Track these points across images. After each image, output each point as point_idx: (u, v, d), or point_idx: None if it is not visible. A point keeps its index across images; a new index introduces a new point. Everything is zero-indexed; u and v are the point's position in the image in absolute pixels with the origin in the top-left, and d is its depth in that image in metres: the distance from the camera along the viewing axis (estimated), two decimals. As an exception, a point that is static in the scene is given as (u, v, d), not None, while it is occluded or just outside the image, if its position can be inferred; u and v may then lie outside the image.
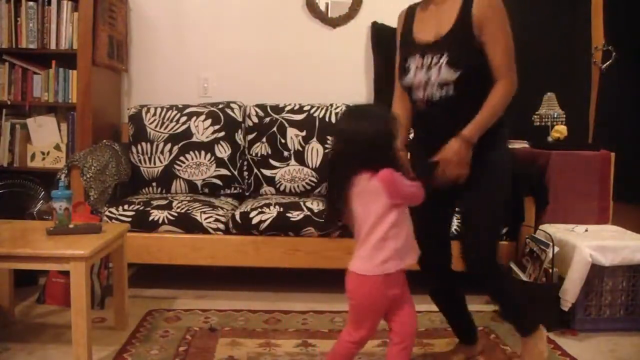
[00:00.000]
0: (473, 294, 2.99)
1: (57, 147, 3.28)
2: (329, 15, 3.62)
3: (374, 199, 1.71)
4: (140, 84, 3.64)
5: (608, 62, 3.61)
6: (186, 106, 3.37)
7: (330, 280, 3.04)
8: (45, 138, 3.28)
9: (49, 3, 3.17)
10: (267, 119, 3.36)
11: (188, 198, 3.05)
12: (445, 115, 1.94)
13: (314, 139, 3.30)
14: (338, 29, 3.64)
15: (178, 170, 3.26)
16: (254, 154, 3.36)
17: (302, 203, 2.88)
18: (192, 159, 3.27)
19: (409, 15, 2.08)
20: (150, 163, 3.27)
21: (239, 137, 3.34)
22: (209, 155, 3.27)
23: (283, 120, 3.34)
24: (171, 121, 3.31)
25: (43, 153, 3.28)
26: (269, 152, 3.33)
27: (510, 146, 3.22)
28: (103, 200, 2.90)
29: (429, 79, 1.93)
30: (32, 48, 3.19)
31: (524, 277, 2.66)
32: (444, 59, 1.90)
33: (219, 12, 3.61)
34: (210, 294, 2.95)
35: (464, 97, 1.90)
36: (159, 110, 3.34)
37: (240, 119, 3.37)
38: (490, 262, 2.02)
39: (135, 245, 2.70)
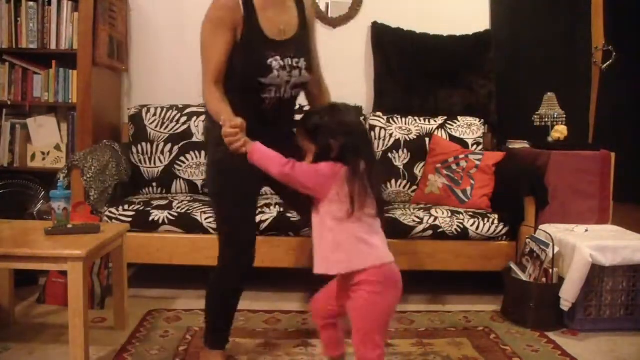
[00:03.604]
0: (473, 294, 3.00)
1: (57, 147, 3.28)
2: (329, 15, 3.62)
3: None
4: (140, 84, 3.64)
5: (608, 62, 3.61)
6: (186, 106, 3.37)
7: (330, 280, 3.04)
8: (46, 138, 3.29)
9: (49, 3, 3.17)
10: (267, 119, 3.36)
11: (188, 198, 3.05)
12: (286, 112, 2.08)
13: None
14: (338, 29, 3.65)
15: (178, 170, 3.26)
16: (254, 154, 3.35)
17: (302, 203, 2.88)
18: (193, 159, 3.27)
19: (247, 3, 1.94)
20: (150, 163, 3.28)
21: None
22: (209, 155, 3.27)
23: (283, 120, 3.34)
24: (171, 121, 3.31)
25: (43, 153, 3.28)
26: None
27: (510, 146, 3.26)
28: (103, 200, 2.90)
29: (289, 81, 1.98)
30: (32, 48, 3.19)
31: (524, 277, 2.66)
32: (302, 64, 1.99)
33: (219, 12, 3.61)
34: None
35: (297, 97, 2.08)
36: (159, 110, 3.34)
37: (240, 119, 3.36)
38: None
39: (135, 245, 2.70)
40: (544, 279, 2.60)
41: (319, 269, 1.77)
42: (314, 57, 2.10)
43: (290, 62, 1.96)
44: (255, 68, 1.94)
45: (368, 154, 1.78)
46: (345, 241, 1.72)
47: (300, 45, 2.01)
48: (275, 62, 1.94)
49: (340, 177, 1.72)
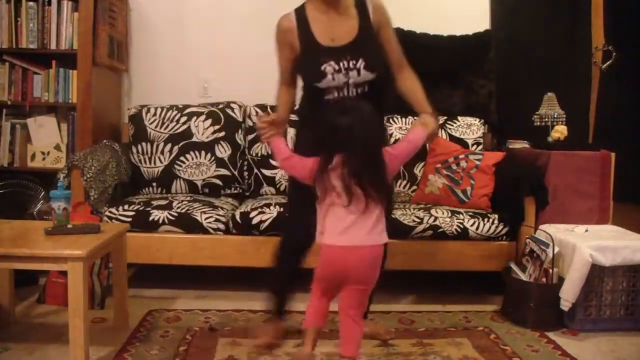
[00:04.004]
0: (473, 294, 3.00)
1: (57, 147, 3.28)
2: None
3: None
4: (140, 84, 3.64)
5: (608, 62, 3.61)
6: (186, 106, 3.37)
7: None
8: (46, 138, 3.29)
9: (49, 3, 3.18)
10: (267, 119, 3.36)
11: (188, 198, 3.05)
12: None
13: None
14: (338, 29, 3.64)
15: (178, 170, 3.26)
16: (254, 154, 3.36)
17: (302, 203, 2.88)
18: (192, 159, 3.27)
19: (300, 20, 2.22)
20: (150, 163, 3.28)
21: (239, 137, 3.34)
22: (209, 155, 3.27)
23: (283, 120, 3.34)
24: (171, 121, 3.31)
25: (43, 153, 3.28)
26: (269, 152, 3.32)
27: (510, 146, 3.26)
28: (103, 200, 2.90)
29: (347, 81, 2.17)
30: (32, 48, 3.20)
31: (524, 277, 2.66)
32: (360, 64, 2.16)
33: (219, 12, 3.61)
34: (210, 294, 2.95)
35: (373, 93, 2.21)
36: (159, 110, 3.34)
37: (240, 119, 3.37)
38: None
39: (135, 245, 2.70)
40: (544, 279, 2.60)
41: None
42: (391, 55, 2.27)
43: (346, 65, 2.15)
44: (311, 75, 2.20)
45: (337, 149, 1.91)
46: (321, 220, 1.98)
47: (359, 47, 2.17)
48: (329, 67, 2.15)
49: (313, 169, 1.95)
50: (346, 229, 1.90)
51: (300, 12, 2.24)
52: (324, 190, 1.93)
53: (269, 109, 3.26)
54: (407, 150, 2.05)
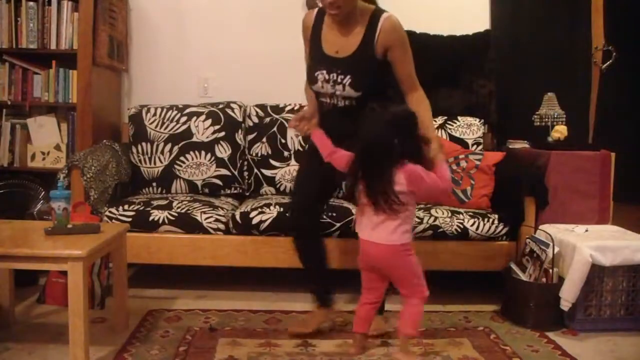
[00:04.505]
0: (473, 294, 3.00)
1: (57, 147, 3.28)
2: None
3: None
4: (140, 84, 3.64)
5: (608, 62, 3.61)
6: (186, 106, 3.37)
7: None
8: (46, 138, 3.29)
9: (49, 3, 3.17)
10: (267, 119, 3.36)
11: (188, 198, 3.05)
12: (349, 118, 2.26)
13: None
14: (338, 29, 3.64)
15: (178, 170, 3.26)
16: (254, 154, 3.36)
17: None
18: (192, 159, 3.27)
19: (317, 21, 2.33)
20: (150, 163, 3.28)
21: (239, 137, 3.34)
22: (209, 155, 3.27)
23: (283, 121, 3.34)
24: (171, 121, 3.31)
25: (43, 153, 3.28)
26: (269, 152, 3.33)
27: (510, 146, 3.26)
28: (103, 200, 2.90)
29: (334, 93, 2.28)
30: (32, 48, 3.19)
31: (524, 277, 2.66)
32: (347, 80, 2.23)
33: (220, 12, 3.61)
34: (210, 294, 2.95)
35: (362, 106, 2.25)
36: (159, 110, 3.34)
37: (240, 119, 3.37)
38: None
39: (135, 245, 2.70)
40: (544, 279, 2.60)
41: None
42: (402, 77, 2.30)
43: (335, 78, 2.25)
44: (309, 77, 2.35)
45: (362, 151, 2.10)
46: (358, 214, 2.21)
47: (352, 64, 2.24)
48: (320, 75, 2.27)
49: (348, 165, 2.16)
50: (374, 227, 2.10)
51: (320, 13, 2.33)
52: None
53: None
54: (435, 184, 2.10)
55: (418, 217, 2.85)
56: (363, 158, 2.09)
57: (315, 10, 2.35)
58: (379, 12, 2.28)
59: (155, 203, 2.91)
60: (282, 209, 2.84)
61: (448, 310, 2.80)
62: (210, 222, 2.83)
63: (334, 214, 2.80)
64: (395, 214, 2.05)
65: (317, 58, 2.31)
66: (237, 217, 2.84)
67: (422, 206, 3.06)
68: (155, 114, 3.33)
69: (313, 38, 2.34)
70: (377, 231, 2.09)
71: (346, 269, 2.52)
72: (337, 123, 2.32)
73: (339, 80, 2.25)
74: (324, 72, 2.26)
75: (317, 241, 2.47)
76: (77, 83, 3.16)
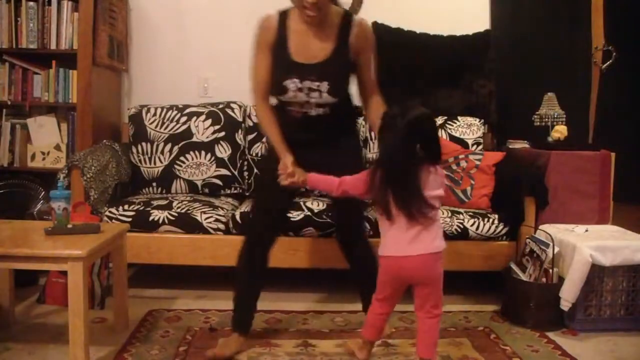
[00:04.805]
0: (473, 294, 3.00)
1: (57, 147, 3.28)
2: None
3: None
4: (140, 84, 3.64)
5: (608, 62, 3.61)
6: (186, 106, 3.37)
7: (330, 280, 3.05)
8: (46, 138, 3.29)
9: (49, 3, 3.17)
10: (267, 119, 3.36)
11: (188, 198, 3.05)
12: (319, 126, 2.21)
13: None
14: (338, 29, 3.64)
15: (178, 170, 3.26)
16: (254, 154, 3.36)
17: (302, 203, 2.88)
18: (192, 159, 3.27)
19: (281, 25, 2.16)
20: (150, 163, 3.27)
21: (239, 137, 3.34)
22: (209, 155, 3.27)
23: (283, 120, 3.34)
24: (171, 121, 3.31)
25: (43, 153, 3.28)
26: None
27: (510, 146, 3.26)
28: (103, 200, 2.90)
29: (308, 101, 2.16)
30: (32, 48, 3.19)
31: (524, 277, 2.66)
32: (324, 87, 2.13)
33: (220, 12, 3.61)
34: (210, 294, 2.95)
35: (336, 113, 2.21)
36: (159, 110, 3.34)
37: (240, 119, 3.37)
38: None
39: (135, 245, 2.70)
40: (544, 279, 2.60)
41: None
42: (365, 81, 2.26)
43: (309, 85, 2.13)
44: (274, 87, 2.18)
45: (385, 163, 1.96)
46: (382, 231, 2.05)
47: (327, 69, 2.14)
48: (292, 84, 2.13)
49: (366, 185, 2.00)
50: (412, 241, 1.95)
51: (283, 18, 2.18)
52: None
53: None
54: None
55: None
56: (389, 170, 1.94)
57: (276, 15, 2.19)
58: (349, 14, 2.22)
59: (155, 203, 2.91)
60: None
61: (448, 310, 2.79)
62: (210, 222, 2.83)
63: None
64: (431, 220, 1.95)
65: (284, 66, 2.15)
66: (237, 217, 2.84)
67: (422, 206, 3.06)
68: (155, 114, 3.33)
69: (278, 45, 2.16)
70: (415, 243, 1.94)
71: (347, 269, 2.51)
72: (307, 132, 2.20)
73: (314, 87, 2.13)
74: (296, 80, 2.13)
75: (266, 257, 2.33)
76: (77, 83, 3.16)
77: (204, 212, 2.86)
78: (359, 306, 2.49)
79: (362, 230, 2.48)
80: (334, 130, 2.26)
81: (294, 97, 2.15)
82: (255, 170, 3.34)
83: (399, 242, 1.96)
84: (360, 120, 3.40)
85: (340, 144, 2.27)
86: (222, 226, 2.84)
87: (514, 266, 2.74)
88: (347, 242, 2.42)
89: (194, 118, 3.31)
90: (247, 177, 3.37)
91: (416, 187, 1.92)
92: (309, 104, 2.17)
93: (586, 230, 2.73)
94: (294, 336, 2.43)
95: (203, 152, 3.26)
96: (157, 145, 3.28)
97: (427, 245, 1.95)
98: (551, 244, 2.56)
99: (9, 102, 3.24)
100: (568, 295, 2.51)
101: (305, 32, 2.15)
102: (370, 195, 2.01)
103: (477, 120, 3.43)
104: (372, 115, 2.27)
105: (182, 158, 3.27)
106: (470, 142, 3.35)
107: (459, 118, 3.42)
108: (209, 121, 3.30)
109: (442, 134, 3.36)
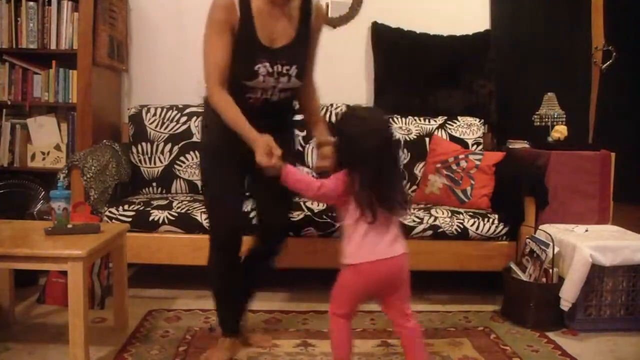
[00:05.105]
0: (473, 294, 3.00)
1: (57, 147, 3.28)
2: (329, 15, 3.62)
3: None
4: (140, 84, 3.64)
5: (608, 62, 3.61)
6: (186, 106, 3.37)
7: (330, 280, 3.04)
8: (46, 138, 3.29)
9: (49, 3, 3.17)
10: (267, 119, 3.36)
11: (188, 198, 3.05)
12: (276, 110, 2.09)
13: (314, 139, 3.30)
14: (338, 29, 3.65)
15: (178, 170, 3.26)
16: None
17: (302, 203, 2.88)
18: (192, 159, 3.27)
19: (243, 4, 1.96)
20: (150, 163, 3.27)
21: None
22: (209, 155, 3.26)
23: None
24: (171, 121, 3.31)
25: (43, 153, 3.28)
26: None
27: (510, 146, 3.26)
28: (103, 200, 2.90)
29: (275, 86, 2.04)
30: (32, 48, 3.19)
31: (524, 277, 2.66)
32: (293, 71, 2.03)
33: (219, 12, 3.61)
34: (210, 294, 2.94)
35: (292, 97, 2.15)
36: (159, 110, 3.34)
37: (240, 119, 3.36)
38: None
39: (135, 245, 2.70)
40: (544, 279, 2.60)
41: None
42: (309, 64, 2.14)
43: (279, 69, 2.01)
44: (242, 72, 1.99)
45: (364, 164, 1.81)
46: (354, 238, 1.86)
47: (294, 52, 2.04)
48: (263, 68, 1.98)
49: (345, 186, 1.83)
50: (393, 241, 1.86)
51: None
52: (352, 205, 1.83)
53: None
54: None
55: (418, 217, 2.85)
56: (374, 166, 1.80)
57: None
58: None
59: (155, 203, 2.91)
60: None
61: (448, 310, 2.80)
62: (210, 222, 2.82)
63: (334, 214, 2.80)
64: (401, 215, 1.88)
65: (252, 50, 1.98)
66: (237, 217, 2.83)
67: (422, 206, 3.07)
68: (155, 114, 3.33)
69: (243, 27, 1.97)
70: (396, 242, 1.86)
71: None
72: (267, 118, 2.02)
73: (284, 71, 2.01)
74: (267, 64, 1.98)
75: (239, 259, 2.19)
76: (77, 83, 3.16)
77: (204, 212, 2.85)
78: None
79: (286, 237, 2.33)
80: (288, 116, 2.22)
81: (262, 82, 2.00)
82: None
83: (379, 244, 1.83)
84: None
85: (288, 129, 2.24)
86: (222, 226, 2.84)
87: (514, 266, 2.74)
88: (267, 249, 2.28)
89: (194, 118, 3.31)
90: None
91: (400, 177, 1.88)
92: (274, 88, 2.04)
93: (586, 230, 2.73)
94: (294, 336, 2.43)
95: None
96: (157, 145, 3.28)
97: (403, 243, 1.88)
98: (551, 244, 2.56)
99: (9, 102, 3.24)
100: (568, 295, 2.51)
101: (270, 13, 1.99)
102: (347, 198, 1.84)
103: (477, 120, 3.43)
104: (313, 103, 2.23)
105: (182, 158, 3.27)
106: (470, 142, 3.35)
107: (459, 118, 3.43)
108: (209, 121, 3.30)
109: (442, 134, 3.36)
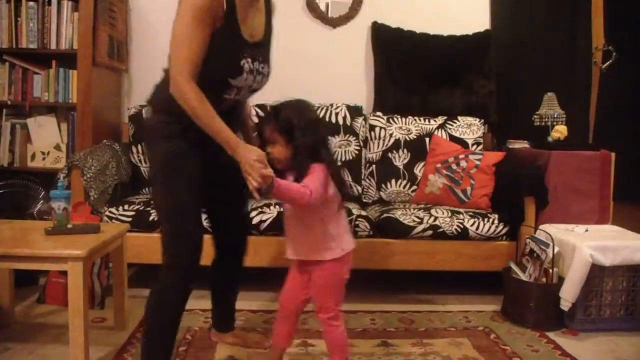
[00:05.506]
0: (473, 294, 3.00)
1: (57, 147, 3.28)
2: (329, 15, 3.62)
3: None
4: (140, 84, 3.64)
5: (608, 62, 3.61)
6: (186, 106, 3.36)
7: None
8: (46, 138, 3.29)
9: (49, 3, 3.17)
10: (267, 119, 3.35)
11: (188, 198, 3.04)
12: (236, 111, 2.04)
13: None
14: (338, 29, 3.64)
15: (178, 170, 3.26)
16: (254, 154, 3.35)
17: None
18: (192, 159, 3.26)
19: None
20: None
21: (238, 137, 3.32)
22: (209, 155, 3.26)
23: (283, 120, 3.33)
24: (171, 121, 3.31)
25: (43, 153, 3.28)
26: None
27: (510, 146, 3.26)
28: (103, 200, 2.90)
29: (251, 85, 1.92)
30: (32, 48, 3.19)
31: (524, 277, 2.66)
32: (266, 70, 1.95)
33: (219, 12, 3.61)
34: (210, 294, 2.94)
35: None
36: (159, 110, 3.34)
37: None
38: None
39: (135, 245, 2.70)
40: (544, 279, 2.60)
41: (308, 256, 1.91)
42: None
43: (257, 67, 1.89)
44: (228, 68, 1.82)
45: (326, 147, 1.87)
46: (335, 230, 1.88)
47: (266, 50, 1.97)
48: (246, 64, 1.84)
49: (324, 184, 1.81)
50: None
51: None
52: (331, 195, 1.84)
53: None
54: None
55: (418, 217, 2.85)
56: (332, 163, 1.86)
57: None
58: None
59: (155, 203, 2.91)
60: (281, 209, 2.83)
61: (448, 310, 2.80)
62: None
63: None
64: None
65: (237, 44, 1.82)
66: (237, 217, 2.83)
67: (422, 206, 3.07)
68: (155, 114, 3.32)
69: (228, 19, 1.78)
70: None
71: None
72: (231, 120, 1.92)
73: (260, 69, 1.90)
74: (249, 60, 1.84)
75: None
76: (77, 83, 3.16)
77: (204, 212, 2.85)
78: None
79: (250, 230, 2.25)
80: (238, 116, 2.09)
81: (244, 79, 1.85)
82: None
83: (348, 230, 1.93)
84: (360, 120, 3.41)
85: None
86: (222, 226, 2.84)
87: (514, 266, 2.74)
88: (233, 253, 2.29)
89: (194, 118, 3.31)
90: (247, 177, 3.36)
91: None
92: (249, 88, 1.91)
93: (586, 230, 2.73)
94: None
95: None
96: (157, 145, 3.27)
97: None
98: (551, 243, 2.56)
99: (9, 102, 3.24)
100: (568, 295, 2.51)
101: (249, 4, 1.84)
102: (326, 195, 1.81)
103: (477, 120, 3.43)
104: (246, 107, 2.17)
105: (182, 158, 3.26)
106: (470, 142, 3.35)
107: (459, 118, 3.43)
108: (209, 121, 3.30)
109: (442, 134, 3.36)
